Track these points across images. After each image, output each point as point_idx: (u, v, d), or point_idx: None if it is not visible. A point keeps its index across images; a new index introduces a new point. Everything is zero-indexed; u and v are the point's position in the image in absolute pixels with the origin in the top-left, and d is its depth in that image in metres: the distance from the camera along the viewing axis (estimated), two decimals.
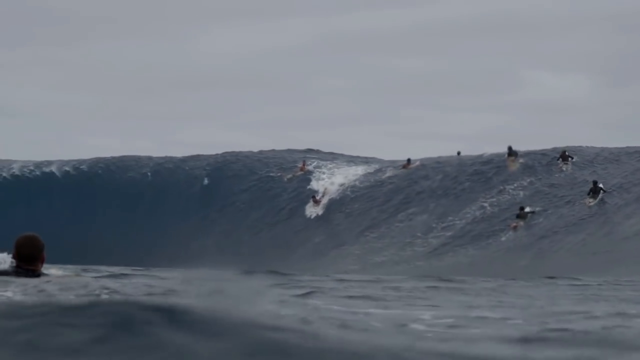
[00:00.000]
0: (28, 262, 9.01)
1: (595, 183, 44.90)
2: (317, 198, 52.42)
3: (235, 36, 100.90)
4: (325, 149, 58.07)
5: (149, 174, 55.57)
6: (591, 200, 44.17)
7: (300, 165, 55.07)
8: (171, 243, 49.78)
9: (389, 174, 52.29)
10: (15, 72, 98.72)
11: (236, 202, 53.23)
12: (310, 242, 48.31)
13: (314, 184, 53.19)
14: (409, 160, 52.71)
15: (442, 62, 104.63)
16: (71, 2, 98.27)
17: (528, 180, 47.51)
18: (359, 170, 53.29)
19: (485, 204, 46.48)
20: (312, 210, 51.75)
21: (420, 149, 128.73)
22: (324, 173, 53.80)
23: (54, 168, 55.88)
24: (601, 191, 44.48)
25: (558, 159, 48.51)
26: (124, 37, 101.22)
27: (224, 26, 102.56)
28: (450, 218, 46.10)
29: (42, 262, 9.10)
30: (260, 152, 57.51)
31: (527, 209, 44.79)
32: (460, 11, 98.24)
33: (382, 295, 9.75)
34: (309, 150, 57.12)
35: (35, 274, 9.01)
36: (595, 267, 33.02)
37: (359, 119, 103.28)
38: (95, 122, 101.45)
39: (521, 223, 44.29)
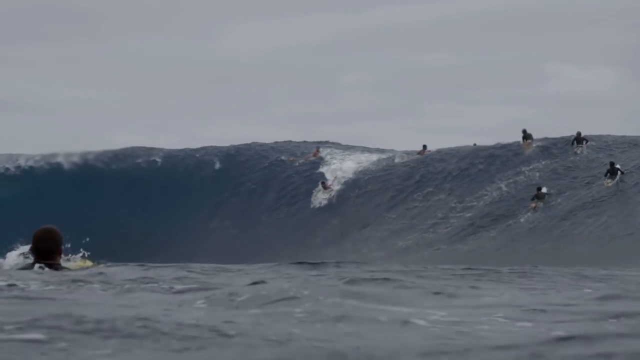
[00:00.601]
0: (46, 256, 9.01)
1: (612, 164, 44.40)
2: (327, 184, 51.58)
3: (260, 32, 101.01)
4: (348, 143, 57.27)
5: (159, 162, 55.05)
6: (609, 181, 43.59)
7: (313, 151, 54.46)
8: (185, 236, 49.17)
9: (404, 159, 51.79)
10: (40, 68, 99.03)
11: (246, 185, 52.75)
12: (325, 227, 47.83)
13: (325, 169, 52.58)
14: (424, 146, 52.19)
15: (466, 56, 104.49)
16: (88, 1, 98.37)
17: (544, 162, 47.11)
18: (373, 157, 52.78)
19: (502, 185, 46.08)
20: (321, 197, 51.03)
21: (444, 143, 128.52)
22: (335, 159, 53.22)
23: (76, 159, 55.17)
24: (619, 172, 43.90)
25: (572, 142, 48.06)
26: (150, 34, 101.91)
27: (249, 22, 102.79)
28: (467, 199, 45.79)
29: (60, 254, 9.11)
30: (275, 142, 56.95)
31: (544, 190, 44.29)
32: (484, 5, 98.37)
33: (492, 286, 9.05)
34: (326, 142, 56.33)
35: (54, 267, 9.00)
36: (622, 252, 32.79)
37: (383, 114, 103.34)
38: (121, 118, 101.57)
39: (540, 204, 43.80)
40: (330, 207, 49.55)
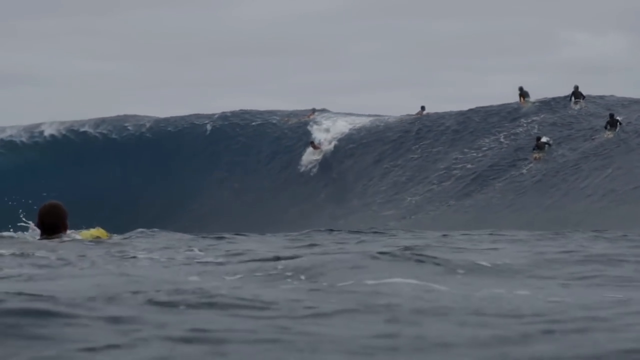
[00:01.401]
0: (52, 231, 9.12)
1: (612, 115, 44.14)
2: (316, 143, 50.61)
3: (271, 2, 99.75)
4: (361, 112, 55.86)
5: (147, 132, 54.09)
6: (609, 133, 43.22)
7: (308, 113, 53.78)
8: (186, 204, 48.44)
9: (399, 119, 51.17)
10: (50, 41, 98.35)
11: (234, 147, 51.81)
12: (326, 186, 47.11)
13: (315, 129, 51.75)
14: (422, 107, 51.56)
15: (478, 24, 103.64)
16: None
17: (542, 116, 46.76)
18: (368, 119, 52.03)
19: (501, 137, 45.67)
20: (311, 158, 50.06)
21: None
22: (328, 119, 52.47)
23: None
24: (618, 124, 43.53)
25: (570, 97, 47.58)
26: (159, 5, 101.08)
27: None
28: (466, 150, 45.38)
29: (65, 230, 9.18)
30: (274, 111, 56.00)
31: (544, 139, 43.92)
32: None
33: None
34: (325, 110, 54.96)
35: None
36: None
37: (394, 83, 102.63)
38: (132, 90, 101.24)
39: (541, 154, 43.34)
40: (326, 165, 48.66)
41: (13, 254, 7.83)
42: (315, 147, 50.09)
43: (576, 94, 47.52)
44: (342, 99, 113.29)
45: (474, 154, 44.97)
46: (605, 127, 43.66)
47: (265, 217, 43.02)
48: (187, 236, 11.15)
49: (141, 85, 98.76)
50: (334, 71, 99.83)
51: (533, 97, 48.97)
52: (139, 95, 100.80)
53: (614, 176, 38.13)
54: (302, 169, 49.22)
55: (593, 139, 43.16)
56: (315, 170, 48.74)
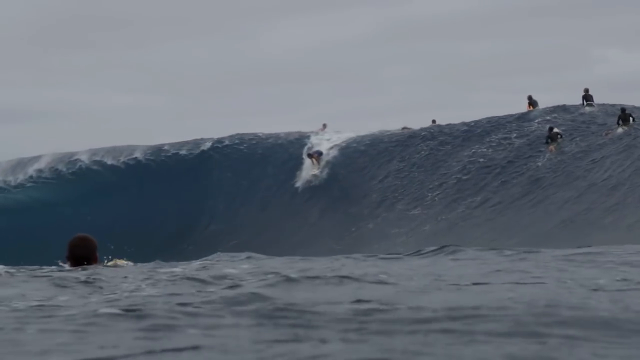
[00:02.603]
0: (82, 263, 9.11)
1: (623, 110, 43.55)
2: (312, 152, 47.78)
3: (302, 30, 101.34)
4: None
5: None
6: (622, 127, 42.59)
7: (320, 127, 51.85)
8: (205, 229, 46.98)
9: (406, 128, 50.35)
10: (86, 76, 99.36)
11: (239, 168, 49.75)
12: (329, 209, 44.57)
13: (315, 141, 49.69)
14: (433, 121, 50.70)
15: (508, 45, 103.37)
16: (132, 6, 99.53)
17: (554, 115, 46.05)
18: (375, 128, 50.95)
19: (512, 136, 44.98)
20: (310, 173, 47.12)
21: None
22: (336, 133, 50.73)
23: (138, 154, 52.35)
24: (631, 119, 42.91)
25: (583, 101, 46.66)
26: (191, 36, 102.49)
27: (290, 20, 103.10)
28: (477, 146, 44.68)
29: (96, 262, 9.18)
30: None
31: (556, 130, 43.43)
32: None
33: None
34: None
35: None
36: None
37: (429, 106, 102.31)
38: (167, 121, 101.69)
39: (555, 146, 42.74)
40: (327, 180, 46.45)
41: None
42: (312, 159, 47.68)
43: (587, 96, 46.69)
44: (374, 123, 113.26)
45: (485, 150, 44.35)
46: (618, 123, 43.06)
47: (279, 237, 42.09)
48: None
49: (173, 116, 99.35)
50: (365, 96, 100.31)
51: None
52: (173, 126, 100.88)
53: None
54: (300, 187, 46.83)
55: (607, 134, 42.51)
56: (314, 186, 46.45)
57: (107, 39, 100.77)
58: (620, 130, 42.58)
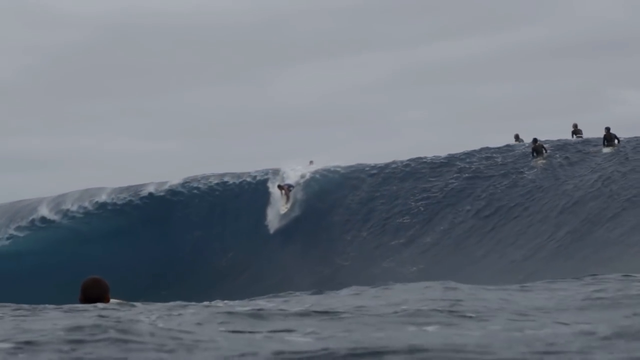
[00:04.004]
0: (95, 304, 9.31)
1: (608, 129, 42.76)
2: (283, 184, 44.93)
3: (318, 75, 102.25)
4: None
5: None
6: (607, 148, 41.98)
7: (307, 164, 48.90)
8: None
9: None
10: (105, 123, 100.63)
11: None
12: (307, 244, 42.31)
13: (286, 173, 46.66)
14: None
15: (524, 87, 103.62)
16: (147, 55, 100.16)
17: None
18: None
19: (497, 157, 44.13)
20: (281, 207, 44.20)
21: None
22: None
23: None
24: (616, 139, 42.33)
25: (603, 142, 44.20)
26: (206, 84, 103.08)
27: (305, 66, 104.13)
28: (458, 163, 43.77)
29: (108, 302, 9.39)
30: None
31: (540, 142, 42.78)
32: (541, 34, 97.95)
33: None
34: None
35: None
36: None
37: (445, 149, 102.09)
38: (187, 168, 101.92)
39: (541, 161, 42.01)
40: (299, 213, 43.76)
41: None
42: (282, 191, 44.68)
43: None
44: None
45: (467, 164, 43.46)
46: (603, 143, 42.44)
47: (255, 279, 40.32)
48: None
49: (193, 163, 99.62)
50: (381, 140, 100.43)
51: None
52: (193, 173, 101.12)
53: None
54: (270, 225, 44.11)
55: (595, 155, 41.75)
56: (285, 222, 43.80)
57: (122, 86, 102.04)
58: (605, 150, 42.01)
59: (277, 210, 44.36)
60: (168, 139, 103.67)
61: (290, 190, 44.62)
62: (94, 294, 9.38)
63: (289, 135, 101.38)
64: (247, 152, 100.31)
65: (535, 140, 43.19)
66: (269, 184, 46.04)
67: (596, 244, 33.01)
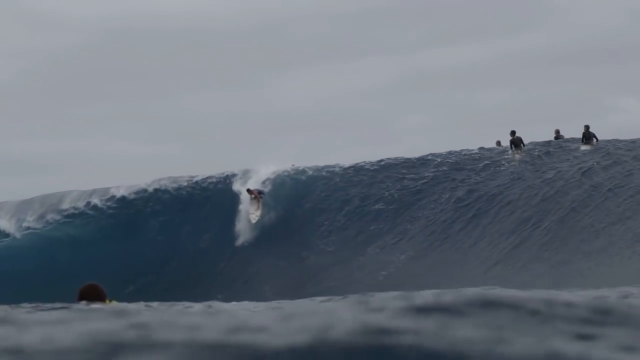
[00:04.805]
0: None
1: (587, 127, 42.45)
2: (253, 189, 42.46)
3: (317, 79, 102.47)
4: None
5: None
6: (585, 146, 41.62)
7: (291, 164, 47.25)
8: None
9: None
10: (103, 127, 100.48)
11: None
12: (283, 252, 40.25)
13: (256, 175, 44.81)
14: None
15: (523, 94, 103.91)
16: (147, 59, 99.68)
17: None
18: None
19: (476, 153, 43.51)
20: (252, 212, 41.91)
21: None
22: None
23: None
24: (594, 138, 41.99)
25: (582, 139, 43.51)
26: (206, 88, 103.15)
27: (305, 70, 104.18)
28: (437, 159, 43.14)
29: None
30: None
31: (518, 135, 42.21)
32: (539, 41, 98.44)
33: None
34: None
35: None
36: None
37: None
38: (183, 171, 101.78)
39: (518, 154, 41.48)
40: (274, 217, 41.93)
41: None
42: (252, 195, 42.13)
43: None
44: None
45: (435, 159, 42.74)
46: (582, 140, 42.10)
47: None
48: None
49: (191, 168, 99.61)
50: (380, 145, 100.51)
51: None
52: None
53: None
54: (240, 234, 41.97)
55: (575, 155, 41.22)
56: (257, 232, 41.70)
57: (121, 90, 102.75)
58: (583, 147, 41.63)
59: (247, 217, 42.10)
60: (167, 143, 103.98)
61: (261, 197, 42.28)
62: (90, 299, 9.65)
63: (287, 140, 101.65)
64: (245, 156, 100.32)
65: (513, 132, 42.65)
66: (237, 186, 44.24)
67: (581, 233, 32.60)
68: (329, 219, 41.27)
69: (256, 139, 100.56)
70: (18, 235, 45.96)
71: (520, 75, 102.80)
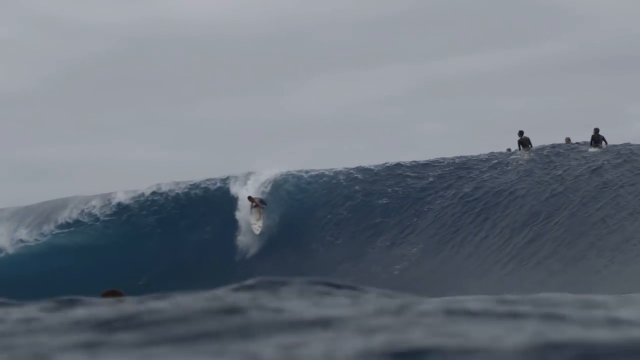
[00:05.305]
0: None
1: (597, 130, 41.94)
2: (254, 197, 40.90)
3: (337, 87, 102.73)
4: None
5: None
6: (594, 149, 41.30)
7: None
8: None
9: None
10: (124, 133, 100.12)
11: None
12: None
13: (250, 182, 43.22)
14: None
15: (544, 102, 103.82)
16: (166, 65, 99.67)
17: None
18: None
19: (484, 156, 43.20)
20: (254, 222, 40.22)
21: None
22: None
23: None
24: (603, 142, 41.66)
25: (591, 142, 43.06)
26: (225, 94, 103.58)
27: (324, 77, 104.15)
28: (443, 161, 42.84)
29: None
30: None
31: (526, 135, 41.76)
32: (560, 49, 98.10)
33: None
34: None
35: None
36: None
37: None
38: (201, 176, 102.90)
39: (526, 154, 41.22)
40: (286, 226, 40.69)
41: None
42: (254, 202, 40.63)
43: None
44: None
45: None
46: (590, 143, 41.79)
47: None
48: None
49: (208, 172, 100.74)
50: (400, 153, 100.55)
51: None
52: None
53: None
54: (243, 246, 40.56)
55: (584, 156, 40.92)
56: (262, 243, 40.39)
57: (144, 97, 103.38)
58: (592, 150, 41.35)
59: (249, 227, 40.53)
60: (188, 149, 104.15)
61: (263, 207, 40.74)
62: None
63: (307, 147, 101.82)
64: (267, 162, 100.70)
65: (521, 132, 42.33)
66: (237, 190, 42.98)
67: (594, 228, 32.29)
68: (333, 214, 40.63)
69: (277, 145, 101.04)
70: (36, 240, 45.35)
71: (541, 82, 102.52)
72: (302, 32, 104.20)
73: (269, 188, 42.47)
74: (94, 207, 44.74)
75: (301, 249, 39.03)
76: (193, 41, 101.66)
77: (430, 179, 41.03)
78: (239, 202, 41.78)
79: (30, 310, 6.15)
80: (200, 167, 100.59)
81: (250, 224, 40.30)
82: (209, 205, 43.29)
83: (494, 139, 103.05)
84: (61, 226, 44.74)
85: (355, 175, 42.66)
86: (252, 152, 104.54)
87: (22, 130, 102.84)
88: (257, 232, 39.99)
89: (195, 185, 44.77)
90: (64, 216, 44.95)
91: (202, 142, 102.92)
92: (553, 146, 42.41)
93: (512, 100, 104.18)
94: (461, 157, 43.24)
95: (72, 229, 44.53)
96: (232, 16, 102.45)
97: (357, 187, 41.78)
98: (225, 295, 5.94)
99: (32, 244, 44.77)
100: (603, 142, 41.50)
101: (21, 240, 45.50)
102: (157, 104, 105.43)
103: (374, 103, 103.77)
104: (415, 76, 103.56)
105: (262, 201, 40.93)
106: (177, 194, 44.51)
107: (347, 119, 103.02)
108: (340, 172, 43.37)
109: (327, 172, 43.48)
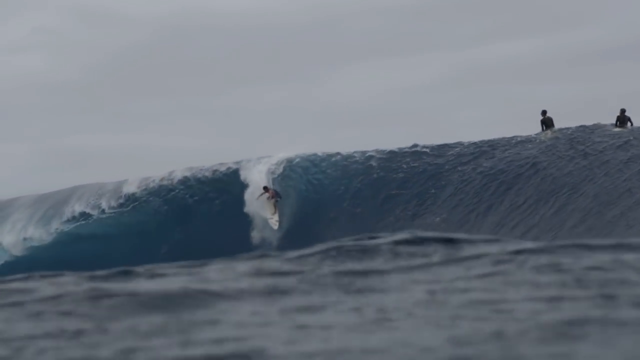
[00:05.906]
0: None
1: (623, 111, 40.86)
2: (270, 187, 39.18)
3: (373, 74, 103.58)
4: None
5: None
6: (619, 128, 40.25)
7: None
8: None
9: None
10: (164, 121, 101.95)
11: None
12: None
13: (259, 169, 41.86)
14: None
15: (581, 88, 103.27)
16: (207, 55, 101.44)
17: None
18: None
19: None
20: (270, 216, 38.72)
21: None
22: None
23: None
24: (629, 122, 40.62)
25: (616, 123, 42.34)
26: (262, 82, 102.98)
27: (360, 65, 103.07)
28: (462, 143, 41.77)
29: None
30: None
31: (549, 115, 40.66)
32: (604, 34, 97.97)
33: None
34: None
35: None
36: None
37: None
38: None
39: (549, 132, 40.17)
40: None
41: None
42: (269, 193, 38.92)
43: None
44: None
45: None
46: (615, 124, 40.75)
47: None
48: None
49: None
50: (437, 140, 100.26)
51: None
52: None
53: None
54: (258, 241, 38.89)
55: (609, 134, 39.86)
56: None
57: (182, 85, 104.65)
58: (616, 129, 40.33)
59: (266, 220, 38.94)
60: (226, 137, 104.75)
61: (277, 199, 39.09)
62: None
63: (341, 135, 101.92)
64: (302, 149, 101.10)
65: (544, 112, 41.22)
66: (248, 174, 41.38)
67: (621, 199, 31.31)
68: (349, 187, 39.85)
69: (313, 132, 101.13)
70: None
71: (583, 68, 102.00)
72: (337, 20, 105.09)
73: (280, 168, 41.43)
74: (117, 193, 43.73)
75: (322, 219, 38.27)
76: (231, 30, 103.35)
77: (449, 158, 40.07)
78: (251, 187, 40.26)
79: None
80: (236, 155, 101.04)
81: (268, 219, 38.81)
82: (229, 190, 41.70)
83: (530, 125, 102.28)
84: (79, 215, 43.97)
85: (371, 154, 41.83)
86: (286, 140, 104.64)
87: (66, 118, 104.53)
88: (276, 227, 38.51)
89: (228, 168, 43.47)
90: (82, 203, 44.15)
91: (237, 130, 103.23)
92: (577, 127, 41.37)
93: (550, 87, 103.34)
94: (482, 140, 42.20)
95: (94, 217, 43.72)
96: (267, 5, 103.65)
97: (372, 163, 40.94)
98: None
99: (51, 232, 44.05)
100: (629, 123, 40.54)
101: (42, 226, 44.76)
102: (196, 93, 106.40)
103: (409, 91, 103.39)
104: (452, 63, 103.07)
105: (277, 193, 39.34)
106: (194, 179, 43.44)
107: (381, 107, 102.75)
108: (355, 152, 42.61)
109: (342, 152, 42.71)
